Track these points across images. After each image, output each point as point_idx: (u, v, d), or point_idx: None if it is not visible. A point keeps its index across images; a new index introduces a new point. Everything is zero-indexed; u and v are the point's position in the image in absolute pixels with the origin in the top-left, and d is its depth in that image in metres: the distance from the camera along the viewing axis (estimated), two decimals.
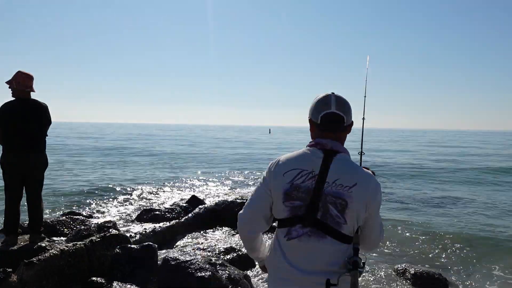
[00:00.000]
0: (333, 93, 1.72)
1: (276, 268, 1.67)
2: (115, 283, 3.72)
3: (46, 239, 4.52)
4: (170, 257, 3.99)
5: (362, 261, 1.57)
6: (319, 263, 1.58)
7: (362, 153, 2.14)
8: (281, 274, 1.63)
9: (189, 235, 6.17)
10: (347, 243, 1.60)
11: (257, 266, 4.89)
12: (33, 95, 4.40)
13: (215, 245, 5.32)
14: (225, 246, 5.18)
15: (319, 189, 1.59)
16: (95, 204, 8.69)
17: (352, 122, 1.77)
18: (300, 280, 1.59)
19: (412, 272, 4.62)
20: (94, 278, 4.00)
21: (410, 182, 13.02)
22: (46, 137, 4.48)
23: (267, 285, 1.78)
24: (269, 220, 1.71)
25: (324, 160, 1.63)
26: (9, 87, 4.30)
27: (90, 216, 6.94)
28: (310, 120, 1.75)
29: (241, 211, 1.74)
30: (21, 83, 4.24)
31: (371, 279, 4.66)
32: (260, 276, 4.64)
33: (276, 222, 1.69)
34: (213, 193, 10.45)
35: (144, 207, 7.73)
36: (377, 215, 1.68)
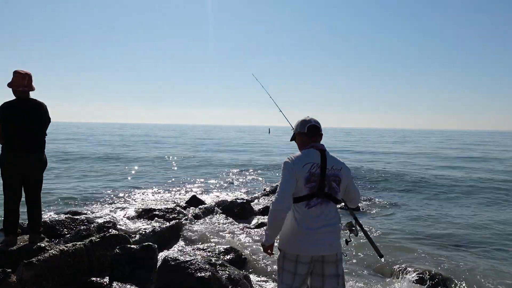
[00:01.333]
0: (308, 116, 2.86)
1: (295, 240, 2.60)
2: (115, 283, 3.71)
3: (46, 239, 4.51)
4: (170, 257, 3.98)
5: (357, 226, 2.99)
6: (327, 219, 2.62)
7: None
8: (299, 243, 2.59)
9: (189, 235, 6.16)
10: (338, 204, 2.72)
11: (257, 266, 4.88)
12: (33, 94, 4.41)
13: (215, 245, 5.31)
14: (225, 246, 5.17)
15: (324, 174, 2.61)
16: (95, 204, 8.68)
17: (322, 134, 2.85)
18: (329, 241, 2.61)
19: (413, 272, 4.61)
20: (94, 278, 4.00)
21: (410, 182, 13.01)
22: (46, 136, 4.48)
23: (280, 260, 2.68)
24: (292, 191, 2.57)
25: (321, 155, 2.65)
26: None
27: (90, 216, 6.93)
28: (298, 133, 2.84)
29: (276, 197, 2.51)
30: (16, 83, 4.24)
31: (372, 279, 4.65)
32: (260, 276, 4.63)
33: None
34: (213, 193, 10.45)
35: (144, 207, 7.73)
36: (354, 183, 2.83)
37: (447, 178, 14.15)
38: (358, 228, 3.01)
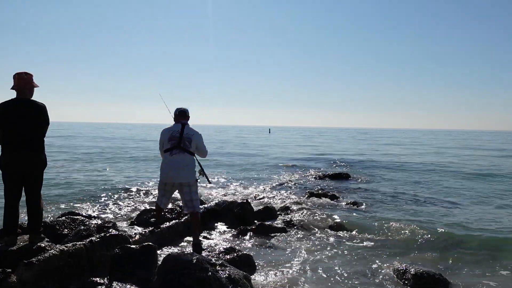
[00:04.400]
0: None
1: (164, 173, 5.15)
2: (115, 283, 3.71)
3: (46, 239, 4.51)
4: (170, 257, 3.98)
5: (201, 170, 5.53)
6: (183, 162, 5.01)
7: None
8: (165, 175, 5.12)
9: (189, 235, 6.16)
10: (192, 155, 5.13)
11: (258, 266, 4.89)
12: (35, 94, 4.47)
13: (215, 245, 5.31)
14: (225, 246, 5.17)
15: (181, 136, 5.04)
16: (95, 204, 8.68)
17: (189, 116, 5.28)
18: (183, 174, 5.04)
19: (413, 272, 4.61)
20: (94, 278, 4.00)
21: (409, 182, 13.02)
22: (44, 137, 4.49)
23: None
24: (164, 146, 5.12)
25: (181, 126, 5.09)
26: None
27: (90, 216, 6.92)
28: (174, 115, 5.30)
29: (160, 149, 5.23)
30: (15, 84, 4.34)
31: (372, 279, 4.66)
32: (260, 276, 4.63)
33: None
34: (213, 193, 10.45)
35: (144, 208, 7.72)
36: (203, 144, 5.19)
37: (448, 169, 14.16)
38: (202, 172, 5.61)
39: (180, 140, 5.01)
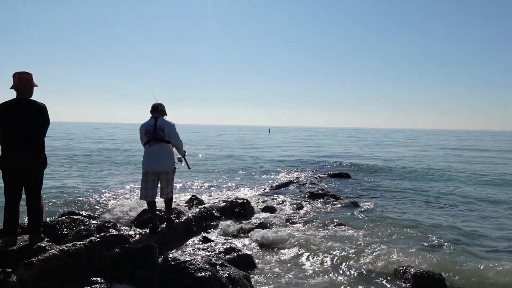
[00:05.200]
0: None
1: (145, 163, 5.78)
2: (115, 283, 3.71)
3: (46, 239, 4.51)
4: (170, 257, 3.99)
5: (180, 157, 6.00)
6: (160, 152, 5.63)
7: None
8: (146, 164, 5.76)
9: (189, 235, 6.17)
10: (168, 143, 5.69)
11: (258, 266, 4.89)
12: (35, 94, 4.47)
13: (215, 245, 5.31)
14: (225, 246, 5.17)
15: (155, 128, 5.63)
16: (95, 204, 8.68)
17: (163, 111, 5.92)
18: (160, 163, 5.66)
19: (413, 272, 4.61)
20: (94, 278, 4.00)
21: (409, 182, 13.02)
22: (45, 137, 4.49)
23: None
24: (143, 140, 5.80)
25: (155, 120, 5.68)
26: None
27: (90, 216, 6.92)
28: (150, 111, 5.88)
29: (141, 142, 5.86)
30: (14, 84, 4.33)
31: (372, 279, 4.65)
32: (260, 276, 4.63)
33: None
34: (213, 193, 10.45)
35: (144, 208, 7.72)
36: (175, 132, 5.67)
37: (447, 169, 14.17)
38: (183, 160, 6.04)
39: (155, 132, 5.60)
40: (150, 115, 5.82)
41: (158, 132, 5.58)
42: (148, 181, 5.75)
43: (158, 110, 5.80)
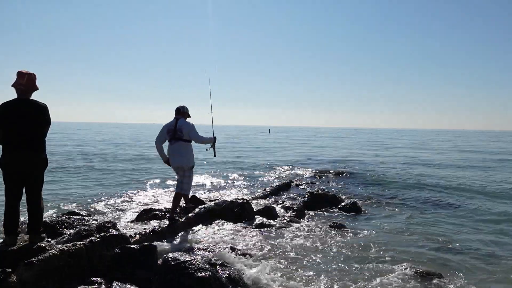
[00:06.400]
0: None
1: (170, 160, 6.53)
2: (115, 283, 3.71)
3: (46, 239, 4.51)
4: (170, 257, 3.98)
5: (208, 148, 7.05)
6: (180, 149, 6.38)
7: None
8: (171, 161, 6.52)
9: (189, 235, 6.17)
10: (188, 142, 6.42)
11: (258, 266, 4.89)
12: (36, 94, 4.46)
13: (215, 245, 5.31)
14: (225, 246, 5.17)
15: (175, 128, 6.37)
16: (95, 204, 8.68)
17: (186, 112, 6.57)
18: (178, 160, 6.45)
19: (413, 272, 4.61)
20: (94, 278, 4.00)
21: (410, 183, 13.01)
22: (45, 137, 4.48)
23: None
24: (164, 140, 6.53)
25: (175, 120, 6.44)
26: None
27: (90, 216, 6.92)
28: (176, 112, 6.62)
29: (156, 138, 6.60)
30: (15, 82, 4.32)
31: (372, 279, 4.65)
32: (260, 276, 4.63)
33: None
34: (213, 193, 10.45)
35: (144, 207, 7.73)
36: (194, 131, 6.35)
37: (448, 169, 14.16)
38: (212, 146, 6.94)
39: (174, 132, 6.36)
40: (174, 117, 6.58)
41: (177, 132, 6.33)
42: (177, 174, 6.67)
43: (180, 112, 6.51)
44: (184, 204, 7.04)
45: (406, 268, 4.78)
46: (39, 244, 4.19)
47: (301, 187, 11.54)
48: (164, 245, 5.51)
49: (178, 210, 7.15)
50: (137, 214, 7.34)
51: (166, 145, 6.56)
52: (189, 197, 7.73)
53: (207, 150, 6.99)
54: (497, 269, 5.10)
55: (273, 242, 5.94)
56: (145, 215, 7.03)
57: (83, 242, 4.30)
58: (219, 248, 5.11)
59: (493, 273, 4.93)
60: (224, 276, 3.87)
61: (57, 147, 25.73)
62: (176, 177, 6.71)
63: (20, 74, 4.32)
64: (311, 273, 4.76)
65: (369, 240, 6.19)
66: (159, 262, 4.21)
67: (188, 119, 6.55)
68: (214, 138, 6.82)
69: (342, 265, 5.05)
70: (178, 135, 6.31)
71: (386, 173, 15.39)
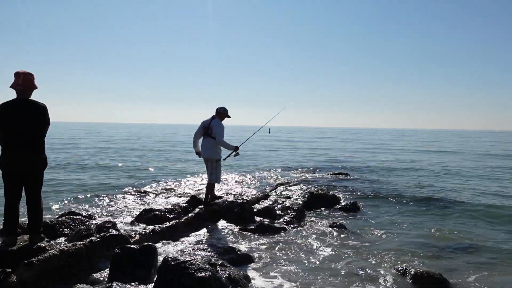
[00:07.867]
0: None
1: (202, 151, 7.62)
2: (115, 283, 3.71)
3: (46, 239, 4.51)
4: (170, 257, 3.98)
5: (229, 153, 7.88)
6: (209, 143, 7.49)
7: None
8: (202, 153, 7.62)
9: (189, 235, 6.17)
10: (213, 139, 7.42)
11: (258, 266, 4.90)
12: (35, 94, 4.47)
13: (215, 245, 5.31)
14: (225, 246, 5.17)
15: (209, 125, 7.52)
16: (95, 204, 8.68)
17: (222, 113, 7.64)
18: (207, 152, 7.52)
19: (413, 272, 4.61)
20: (94, 278, 4.00)
21: (410, 183, 13.01)
22: (45, 137, 4.49)
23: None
24: (200, 136, 7.67)
25: (212, 118, 7.66)
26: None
27: (90, 216, 6.92)
28: (215, 112, 7.75)
29: (194, 133, 7.76)
30: (13, 83, 4.33)
31: (372, 279, 4.65)
32: (260, 276, 4.63)
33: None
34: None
35: (144, 207, 7.73)
36: (219, 132, 7.37)
37: (448, 169, 14.15)
38: (235, 153, 7.66)
39: (207, 129, 7.47)
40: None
41: (208, 130, 7.45)
42: (206, 166, 7.66)
43: (218, 113, 7.60)
44: (204, 199, 7.89)
45: (406, 268, 4.77)
46: (39, 244, 4.20)
47: (301, 186, 11.54)
48: (164, 245, 5.51)
49: (178, 209, 7.16)
50: (137, 214, 7.34)
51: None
52: (190, 197, 7.79)
53: (224, 159, 7.78)
54: (499, 268, 5.09)
55: (273, 242, 5.94)
56: (145, 215, 7.03)
57: (83, 242, 4.30)
58: (219, 248, 5.11)
59: (497, 273, 4.92)
60: (224, 276, 3.87)
61: (57, 147, 25.73)
62: (204, 169, 8.00)
63: (16, 74, 4.34)
64: (311, 273, 4.76)
65: (370, 240, 6.19)
66: (159, 262, 4.21)
67: (225, 120, 7.63)
68: (237, 147, 7.55)
69: (342, 265, 5.04)
70: (208, 132, 7.43)
71: (387, 173, 15.39)
